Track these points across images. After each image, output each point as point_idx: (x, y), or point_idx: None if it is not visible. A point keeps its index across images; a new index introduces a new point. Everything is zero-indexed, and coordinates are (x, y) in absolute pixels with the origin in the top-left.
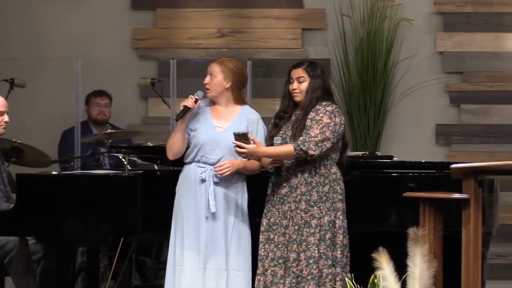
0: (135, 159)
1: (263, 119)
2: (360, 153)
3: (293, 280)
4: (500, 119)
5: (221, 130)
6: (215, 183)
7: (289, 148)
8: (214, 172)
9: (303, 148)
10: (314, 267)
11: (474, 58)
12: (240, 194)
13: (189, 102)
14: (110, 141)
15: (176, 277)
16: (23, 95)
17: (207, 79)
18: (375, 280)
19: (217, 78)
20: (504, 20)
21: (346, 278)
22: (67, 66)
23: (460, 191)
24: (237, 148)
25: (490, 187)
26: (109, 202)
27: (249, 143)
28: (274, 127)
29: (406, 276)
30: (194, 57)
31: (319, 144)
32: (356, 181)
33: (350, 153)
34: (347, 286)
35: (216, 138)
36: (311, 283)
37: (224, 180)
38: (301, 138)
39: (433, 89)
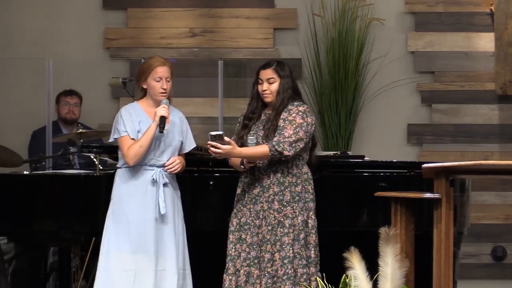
0: (107, 159)
1: (234, 118)
2: (331, 152)
3: (269, 280)
4: (471, 118)
5: (166, 132)
6: (164, 185)
7: (264, 148)
8: (165, 172)
9: (278, 149)
10: (289, 267)
11: (445, 57)
12: (179, 195)
13: (165, 111)
14: (81, 141)
15: (127, 283)
16: None
17: (165, 84)
18: (347, 280)
19: (171, 81)
20: (475, 20)
21: (317, 278)
22: (38, 66)
23: (431, 191)
24: (212, 149)
25: (461, 187)
26: (80, 202)
27: (224, 144)
28: (243, 128)
29: (377, 276)
30: (166, 56)
31: (293, 145)
32: (327, 181)
33: (322, 152)
34: (319, 286)
35: (164, 140)
36: (287, 283)
37: (170, 182)
38: (275, 139)
39: (405, 88)
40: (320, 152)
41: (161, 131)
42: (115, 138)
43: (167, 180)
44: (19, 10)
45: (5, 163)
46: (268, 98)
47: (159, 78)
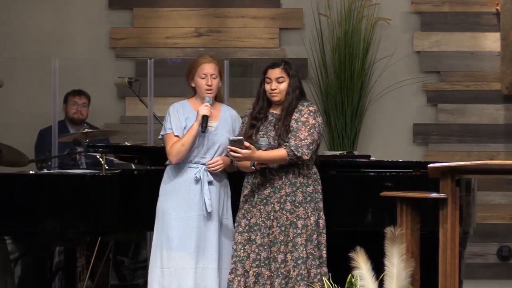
0: (113, 158)
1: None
2: (337, 152)
3: (283, 281)
4: (477, 118)
5: (212, 129)
6: (209, 183)
7: (282, 152)
8: (208, 170)
9: (298, 154)
10: (302, 267)
11: (451, 57)
12: (228, 194)
13: (207, 110)
14: (87, 140)
15: (165, 280)
16: (0, 94)
17: (210, 81)
18: (353, 280)
19: (217, 78)
20: (481, 20)
21: (323, 278)
22: (44, 66)
23: (437, 191)
24: (232, 153)
25: (467, 187)
26: (86, 201)
27: (244, 148)
28: (251, 127)
29: (383, 276)
30: (171, 56)
31: (311, 147)
32: (333, 181)
33: (328, 152)
34: (331, 285)
35: (208, 137)
36: (301, 284)
37: (216, 180)
38: (292, 143)
39: (411, 88)
40: (326, 152)
41: (203, 130)
42: (162, 135)
43: (211, 178)
44: (25, 10)
45: (12, 162)
46: (277, 97)
47: (204, 75)
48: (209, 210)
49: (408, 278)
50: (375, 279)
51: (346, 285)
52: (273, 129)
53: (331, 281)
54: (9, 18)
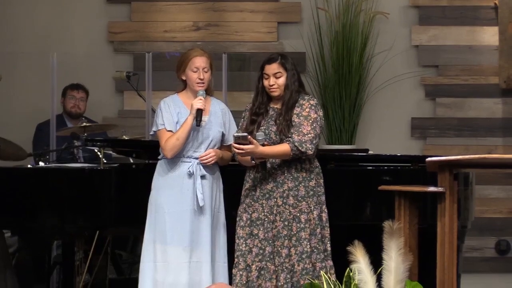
0: (111, 152)
1: (238, 112)
2: (335, 146)
3: (288, 276)
4: (475, 112)
5: (204, 123)
6: (201, 177)
7: (285, 148)
8: (201, 163)
9: (302, 150)
10: (307, 261)
11: (449, 51)
12: (220, 187)
13: (201, 104)
14: (85, 134)
15: (159, 274)
16: None
17: (202, 75)
18: (351, 274)
19: (209, 71)
20: (479, 14)
21: (321, 272)
22: (42, 60)
23: (435, 185)
24: (236, 150)
25: (465, 181)
26: (84, 195)
27: (248, 144)
28: (251, 123)
29: (381, 270)
30: (170, 50)
31: (314, 142)
32: (331, 174)
33: (326, 146)
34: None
35: (202, 131)
36: (306, 278)
37: (208, 174)
38: (296, 139)
39: (409, 82)
40: (325, 146)
41: (198, 124)
42: (154, 131)
43: (204, 172)
44: (23, 4)
45: (10, 156)
46: (276, 92)
47: (196, 68)
48: (201, 205)
49: (406, 272)
50: (373, 273)
51: (344, 279)
52: (274, 123)
53: (328, 274)
54: (8, 13)
